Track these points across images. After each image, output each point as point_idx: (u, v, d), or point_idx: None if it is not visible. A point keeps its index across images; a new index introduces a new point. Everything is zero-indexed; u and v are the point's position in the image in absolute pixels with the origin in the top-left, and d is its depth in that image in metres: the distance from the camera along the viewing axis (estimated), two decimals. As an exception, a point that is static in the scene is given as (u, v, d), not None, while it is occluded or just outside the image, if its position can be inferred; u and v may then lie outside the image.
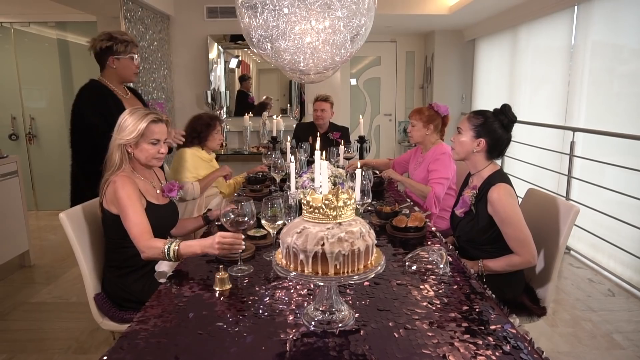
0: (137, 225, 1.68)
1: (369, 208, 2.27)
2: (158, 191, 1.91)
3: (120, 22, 3.84)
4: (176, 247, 1.57)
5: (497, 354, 1.06)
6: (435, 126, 2.77)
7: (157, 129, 1.82)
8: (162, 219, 1.87)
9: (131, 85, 2.76)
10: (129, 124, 1.76)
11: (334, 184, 2.23)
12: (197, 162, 2.86)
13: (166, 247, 1.58)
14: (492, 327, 1.18)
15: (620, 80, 3.63)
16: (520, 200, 1.98)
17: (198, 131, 2.91)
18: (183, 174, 2.79)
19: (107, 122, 2.14)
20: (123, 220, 1.70)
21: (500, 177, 1.85)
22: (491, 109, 1.95)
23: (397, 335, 1.14)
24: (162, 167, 2.44)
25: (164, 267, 1.80)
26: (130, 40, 2.41)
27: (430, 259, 1.60)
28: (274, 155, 2.68)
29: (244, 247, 1.55)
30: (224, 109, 5.30)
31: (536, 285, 1.97)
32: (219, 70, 5.26)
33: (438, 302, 1.32)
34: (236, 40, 5.12)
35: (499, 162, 1.97)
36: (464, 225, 1.94)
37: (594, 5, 3.87)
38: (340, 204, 1.07)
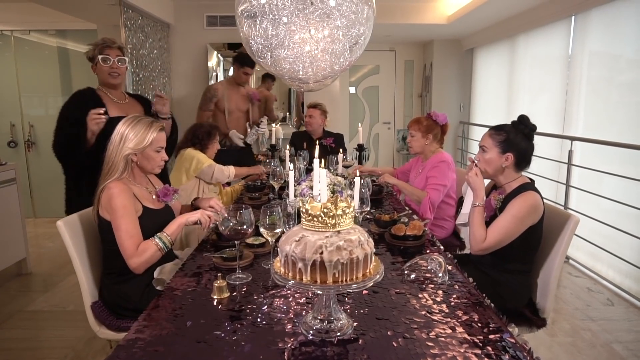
0: (131, 237, 1.69)
1: (368, 216, 2.27)
2: (154, 196, 1.92)
3: (120, 31, 3.86)
4: (165, 233, 1.73)
5: (496, 363, 1.05)
6: (435, 135, 2.78)
7: (162, 137, 1.86)
8: (160, 223, 1.87)
9: (129, 90, 2.76)
10: (136, 134, 1.77)
11: (333, 192, 2.23)
12: (205, 157, 3.03)
13: (157, 239, 1.71)
14: (491, 336, 1.17)
15: (618, 90, 3.65)
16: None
17: (200, 138, 3.02)
18: (201, 163, 2.96)
19: (82, 125, 2.21)
20: (115, 230, 1.70)
21: (534, 188, 1.86)
22: (494, 120, 1.95)
23: (395, 345, 1.13)
24: (164, 172, 2.45)
25: (162, 274, 1.80)
26: (102, 43, 2.37)
27: (429, 267, 1.59)
28: (272, 163, 2.68)
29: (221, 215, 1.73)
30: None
31: (536, 295, 1.96)
32: (218, 78, 5.28)
33: (437, 311, 1.32)
34: (236, 48, 5.15)
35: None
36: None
37: (591, 15, 3.90)
38: (339, 212, 1.07)
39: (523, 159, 1.90)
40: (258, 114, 4.22)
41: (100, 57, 2.35)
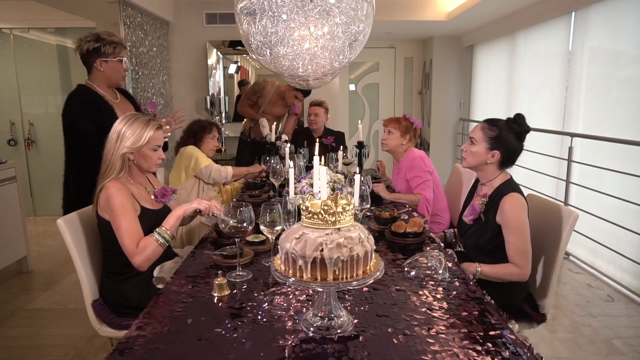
0: (131, 235, 1.69)
1: (368, 213, 2.27)
2: (152, 197, 1.91)
3: (120, 28, 3.86)
4: (163, 228, 1.73)
5: (496, 359, 1.05)
6: (410, 137, 2.86)
7: (159, 136, 1.85)
8: (158, 224, 1.87)
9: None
10: (133, 132, 1.76)
11: (333, 190, 2.23)
12: (204, 157, 2.99)
13: (156, 235, 1.70)
14: (492, 333, 1.17)
15: (618, 86, 3.65)
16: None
17: (194, 131, 3.01)
18: (199, 163, 2.91)
19: (100, 129, 2.11)
20: (115, 230, 1.70)
21: (513, 186, 1.85)
22: (492, 116, 1.94)
23: (396, 342, 1.13)
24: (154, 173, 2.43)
25: (162, 272, 1.80)
26: (119, 42, 2.32)
27: (429, 264, 1.59)
28: (272, 161, 2.68)
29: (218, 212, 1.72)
30: (223, 114, 5.31)
31: (536, 291, 1.96)
32: (218, 76, 5.27)
33: (437, 307, 1.32)
34: (235, 46, 5.14)
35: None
36: (472, 233, 1.94)
37: (591, 12, 3.89)
38: (339, 209, 1.07)
39: (509, 158, 1.89)
40: (291, 126, 4.29)
41: (124, 59, 2.33)
